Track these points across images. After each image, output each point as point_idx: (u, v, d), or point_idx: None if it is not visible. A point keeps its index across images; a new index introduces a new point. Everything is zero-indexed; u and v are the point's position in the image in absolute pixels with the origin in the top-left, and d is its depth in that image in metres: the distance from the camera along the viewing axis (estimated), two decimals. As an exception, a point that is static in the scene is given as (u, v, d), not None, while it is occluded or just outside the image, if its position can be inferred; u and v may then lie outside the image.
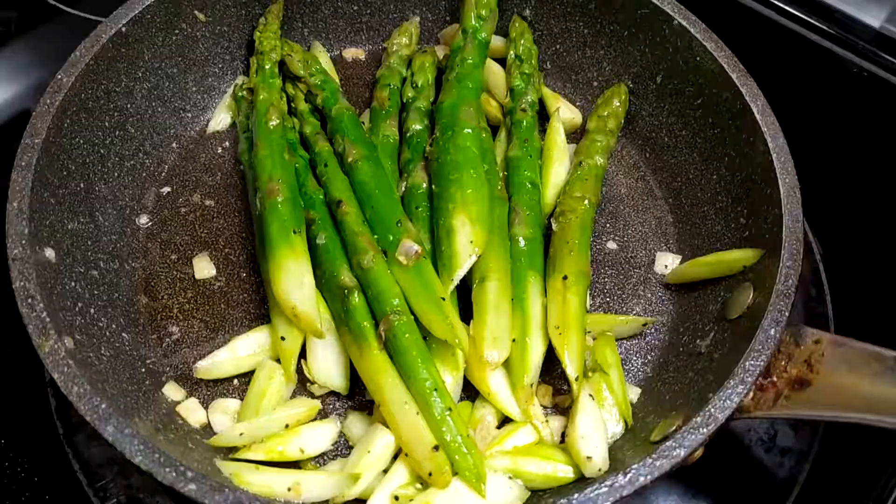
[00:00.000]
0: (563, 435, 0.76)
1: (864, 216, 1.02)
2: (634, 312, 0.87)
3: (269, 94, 0.91)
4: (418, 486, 0.70)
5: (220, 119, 0.99)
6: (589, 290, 0.84)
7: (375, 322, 0.76)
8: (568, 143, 0.96)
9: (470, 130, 0.86)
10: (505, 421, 0.77)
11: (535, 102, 0.95)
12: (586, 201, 0.88)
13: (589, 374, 0.78)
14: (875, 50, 1.15)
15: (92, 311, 0.78)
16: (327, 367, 0.78)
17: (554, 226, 0.87)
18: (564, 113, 0.99)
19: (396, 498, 0.69)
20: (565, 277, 0.81)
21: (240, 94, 0.96)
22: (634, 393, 0.81)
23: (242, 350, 0.80)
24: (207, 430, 0.78)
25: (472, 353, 0.77)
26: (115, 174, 0.89)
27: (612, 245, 0.92)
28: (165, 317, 0.85)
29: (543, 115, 1.00)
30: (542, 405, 0.79)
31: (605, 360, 0.80)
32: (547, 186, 0.92)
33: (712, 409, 0.66)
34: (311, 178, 0.88)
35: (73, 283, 0.77)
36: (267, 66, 0.94)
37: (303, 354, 0.79)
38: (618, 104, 0.96)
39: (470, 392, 0.80)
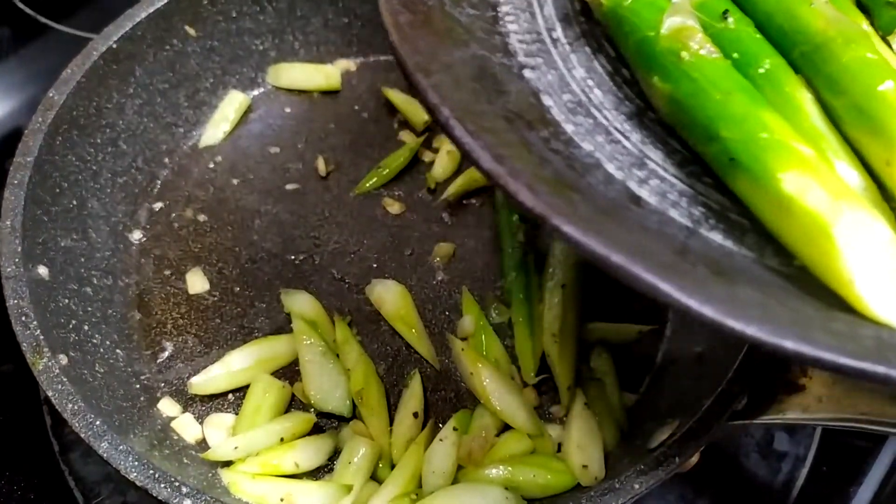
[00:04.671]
0: (559, 444, 0.76)
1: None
2: (629, 319, 0.87)
3: None
4: (413, 496, 0.71)
5: (212, 134, 0.99)
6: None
7: None
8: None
9: None
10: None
11: None
12: None
13: (585, 383, 0.79)
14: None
15: (86, 327, 0.78)
16: (327, 390, 0.78)
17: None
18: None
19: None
20: (564, 286, 0.82)
21: None
22: (630, 400, 0.81)
23: (237, 365, 0.80)
24: (203, 445, 0.78)
25: (467, 361, 0.78)
26: (108, 190, 0.89)
27: (605, 253, 0.92)
28: (159, 332, 0.84)
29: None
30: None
31: (600, 368, 0.81)
32: None
33: (707, 416, 0.66)
34: None
35: (66, 301, 0.77)
36: None
37: (297, 376, 0.80)
38: None
39: (467, 401, 0.81)
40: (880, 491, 0.83)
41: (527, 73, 0.56)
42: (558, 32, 0.60)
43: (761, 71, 0.52)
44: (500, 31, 0.58)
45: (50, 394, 0.66)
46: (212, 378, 0.80)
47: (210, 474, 0.72)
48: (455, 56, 0.53)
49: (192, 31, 0.95)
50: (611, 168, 0.51)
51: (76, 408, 0.65)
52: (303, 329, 0.80)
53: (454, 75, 0.50)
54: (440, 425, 0.78)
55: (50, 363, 0.67)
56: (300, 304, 0.84)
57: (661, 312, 0.87)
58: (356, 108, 1.04)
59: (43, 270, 0.75)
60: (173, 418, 0.79)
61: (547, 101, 0.55)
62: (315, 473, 0.76)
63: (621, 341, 0.85)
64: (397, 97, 1.02)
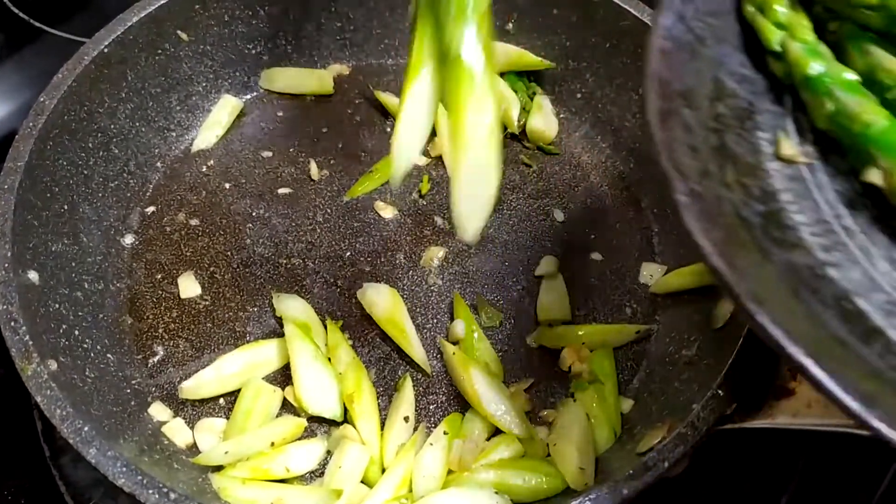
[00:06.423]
0: (549, 447, 0.76)
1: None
2: (620, 323, 0.87)
3: None
4: (404, 500, 0.71)
5: (205, 138, 0.99)
6: (574, 302, 0.85)
7: None
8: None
9: None
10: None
11: None
12: None
13: (585, 385, 0.79)
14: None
15: (76, 332, 0.78)
16: (319, 394, 0.78)
17: None
18: (538, 123, 1.00)
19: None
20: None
21: None
22: (627, 404, 0.81)
23: (228, 369, 0.80)
24: (194, 449, 0.78)
25: (458, 365, 0.78)
26: (100, 195, 0.89)
27: (596, 256, 0.92)
28: (151, 337, 0.84)
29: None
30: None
31: (601, 370, 0.81)
32: None
33: (695, 420, 0.66)
34: None
35: (57, 305, 0.77)
36: None
37: (288, 381, 0.80)
38: None
39: (459, 405, 0.81)
40: (872, 497, 0.83)
41: (830, 271, 0.50)
42: (847, 220, 0.53)
43: None
44: (788, 224, 0.52)
45: (38, 399, 0.66)
46: (203, 382, 0.80)
47: (200, 479, 0.72)
48: (768, 270, 0.48)
49: (184, 36, 0.95)
50: None
51: (64, 413, 0.65)
52: (294, 333, 0.80)
53: (780, 297, 0.46)
54: (431, 429, 0.78)
55: (39, 368, 0.67)
56: (292, 308, 0.84)
57: (652, 316, 0.87)
58: (349, 111, 1.04)
59: (33, 275, 0.75)
60: (164, 423, 0.79)
61: (862, 304, 0.49)
62: (306, 478, 0.76)
63: (619, 343, 0.85)
64: (390, 101, 1.02)
